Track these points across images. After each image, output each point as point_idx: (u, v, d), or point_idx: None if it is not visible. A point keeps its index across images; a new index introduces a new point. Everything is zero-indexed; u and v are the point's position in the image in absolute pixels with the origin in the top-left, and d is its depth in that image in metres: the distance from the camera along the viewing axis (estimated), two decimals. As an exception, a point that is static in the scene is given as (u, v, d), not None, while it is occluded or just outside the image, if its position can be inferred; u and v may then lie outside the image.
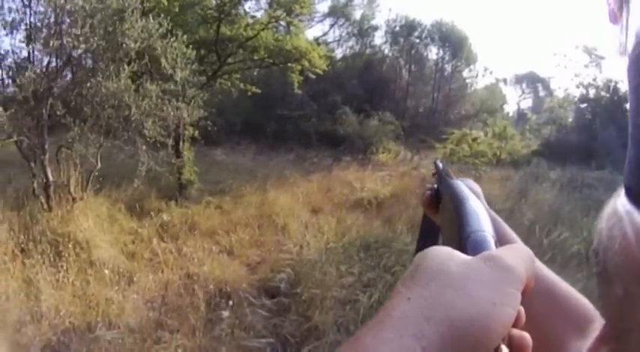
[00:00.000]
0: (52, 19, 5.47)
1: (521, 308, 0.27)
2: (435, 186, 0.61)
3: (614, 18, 0.30)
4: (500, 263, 0.28)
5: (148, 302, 4.02)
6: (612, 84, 13.08)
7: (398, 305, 0.26)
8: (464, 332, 0.25)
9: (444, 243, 0.41)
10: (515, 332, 0.27)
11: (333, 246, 5.32)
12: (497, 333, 0.26)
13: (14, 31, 5.74)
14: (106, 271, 4.36)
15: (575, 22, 36.17)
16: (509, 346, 0.27)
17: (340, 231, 6.01)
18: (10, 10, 5.62)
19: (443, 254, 0.29)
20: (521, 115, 23.25)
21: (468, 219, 0.36)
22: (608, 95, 13.23)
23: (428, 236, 0.61)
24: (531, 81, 24.59)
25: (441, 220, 0.55)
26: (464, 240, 0.33)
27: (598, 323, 0.48)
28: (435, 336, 0.24)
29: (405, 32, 19.32)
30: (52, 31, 5.42)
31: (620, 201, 0.27)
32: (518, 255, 0.29)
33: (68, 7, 5.28)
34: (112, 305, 3.79)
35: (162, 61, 6.15)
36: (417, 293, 0.27)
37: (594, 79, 13.91)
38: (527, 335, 0.28)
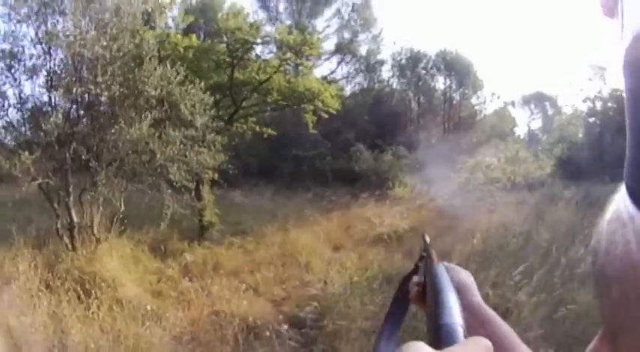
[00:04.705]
0: (72, 66, 5.64)
1: None
2: (423, 278, 0.66)
3: (610, 12, 0.31)
4: None
5: (176, 337, 4.08)
6: (618, 93, 12.70)
7: None
8: None
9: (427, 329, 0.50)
10: None
11: (356, 280, 5.34)
12: None
13: (34, 77, 5.92)
14: (133, 308, 4.44)
15: (576, 36, 35.86)
16: None
17: (362, 265, 6.05)
18: (30, 56, 5.80)
19: (417, 349, 0.34)
20: (532, 136, 23.11)
21: (442, 310, 0.41)
22: (615, 106, 12.95)
23: (393, 318, 0.64)
24: (539, 100, 24.47)
25: (427, 307, 0.61)
26: (438, 329, 0.39)
27: None
28: None
29: (410, 64, 19.45)
30: (74, 78, 5.59)
31: (622, 203, 0.28)
32: (473, 349, 0.34)
33: (88, 54, 5.46)
34: (140, 339, 3.85)
35: (182, 107, 6.28)
36: None
37: (599, 91, 13.72)
38: None
